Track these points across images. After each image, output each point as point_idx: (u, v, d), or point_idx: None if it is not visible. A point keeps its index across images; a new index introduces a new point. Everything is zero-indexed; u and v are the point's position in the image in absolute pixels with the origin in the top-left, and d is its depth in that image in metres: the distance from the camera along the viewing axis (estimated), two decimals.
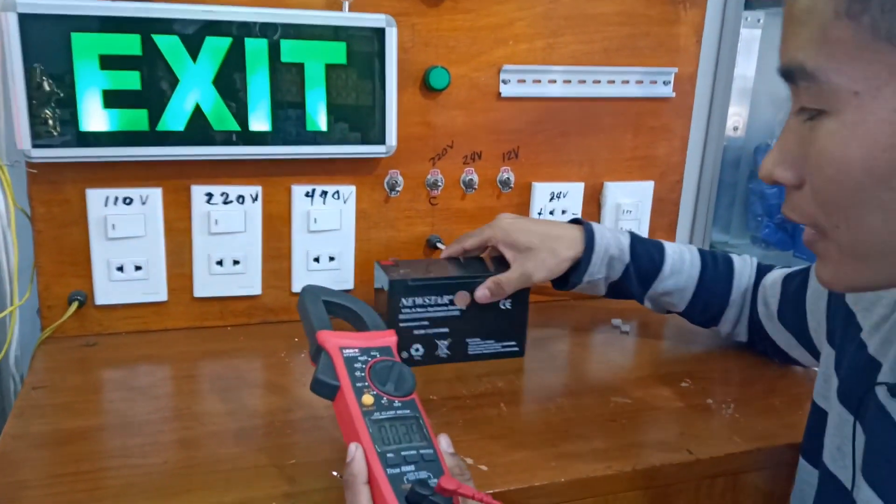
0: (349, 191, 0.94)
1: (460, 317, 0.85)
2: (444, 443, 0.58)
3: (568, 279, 0.87)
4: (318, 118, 0.88)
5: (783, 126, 0.48)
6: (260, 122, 0.86)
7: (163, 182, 0.88)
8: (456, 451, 0.58)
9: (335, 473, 0.62)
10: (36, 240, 0.86)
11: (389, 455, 0.53)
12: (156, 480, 0.62)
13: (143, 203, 0.87)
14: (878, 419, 0.53)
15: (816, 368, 0.80)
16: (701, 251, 0.89)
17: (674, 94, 1.06)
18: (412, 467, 0.53)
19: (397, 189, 0.97)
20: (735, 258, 0.89)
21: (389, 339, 0.63)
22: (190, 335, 0.91)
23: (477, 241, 0.89)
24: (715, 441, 0.71)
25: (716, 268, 0.88)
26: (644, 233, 1.11)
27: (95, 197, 0.85)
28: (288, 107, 0.87)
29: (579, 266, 0.85)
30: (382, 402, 0.57)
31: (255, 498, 0.60)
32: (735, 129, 1.27)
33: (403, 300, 0.82)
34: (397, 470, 0.53)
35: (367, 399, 0.57)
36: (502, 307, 0.86)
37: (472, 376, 0.83)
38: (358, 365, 0.59)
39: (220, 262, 0.91)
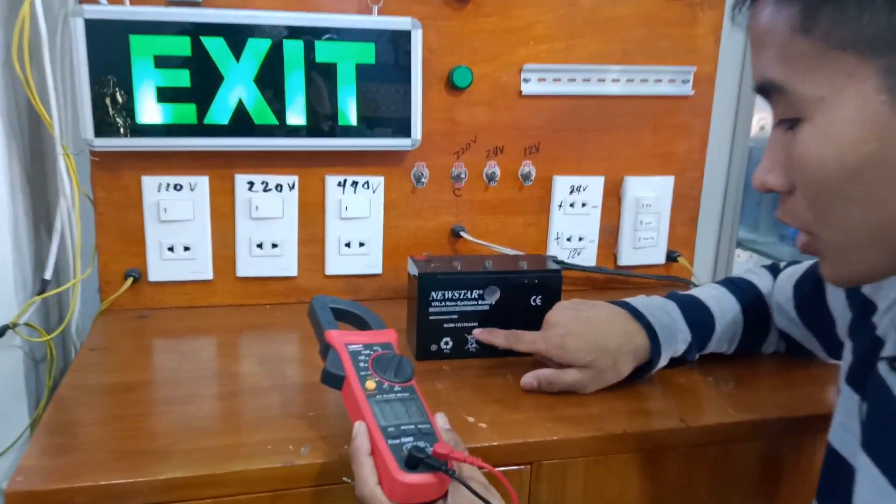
0: (378, 181, 1.02)
1: (490, 311, 0.85)
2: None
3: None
4: (349, 113, 0.96)
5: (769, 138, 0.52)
6: (296, 116, 0.94)
7: (209, 171, 0.97)
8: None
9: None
10: (97, 221, 0.96)
11: (390, 429, 0.60)
12: (193, 423, 0.71)
13: (192, 189, 0.96)
14: (879, 393, 0.55)
15: (825, 358, 0.83)
16: (735, 294, 0.85)
17: (692, 93, 1.10)
18: (411, 438, 0.60)
19: (423, 180, 1.04)
20: (755, 280, 0.87)
21: (391, 336, 0.70)
22: (232, 311, 1.00)
23: (527, 349, 0.82)
24: (709, 412, 0.76)
25: (755, 307, 0.85)
26: (665, 227, 1.14)
27: (150, 183, 0.95)
28: (321, 103, 0.95)
29: (642, 370, 0.80)
30: (384, 387, 0.64)
31: (277, 439, 0.67)
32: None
33: (433, 293, 0.84)
34: (397, 441, 0.59)
35: (370, 384, 0.64)
36: (533, 303, 0.86)
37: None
38: (362, 357, 0.67)
39: (260, 245, 1.00)
